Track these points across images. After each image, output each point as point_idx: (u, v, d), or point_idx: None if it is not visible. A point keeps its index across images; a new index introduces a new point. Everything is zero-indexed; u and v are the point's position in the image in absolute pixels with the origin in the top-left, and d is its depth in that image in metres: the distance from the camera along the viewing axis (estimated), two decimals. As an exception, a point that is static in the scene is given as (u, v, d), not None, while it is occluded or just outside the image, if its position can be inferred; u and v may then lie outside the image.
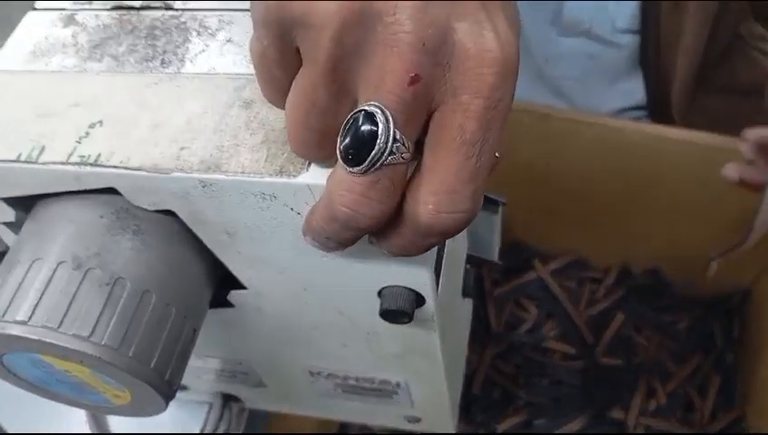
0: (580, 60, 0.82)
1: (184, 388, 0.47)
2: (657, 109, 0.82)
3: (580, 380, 0.85)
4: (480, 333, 0.88)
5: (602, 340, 0.87)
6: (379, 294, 0.30)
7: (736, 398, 0.84)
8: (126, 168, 0.26)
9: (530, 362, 0.87)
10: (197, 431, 0.50)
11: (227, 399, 0.48)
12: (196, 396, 0.49)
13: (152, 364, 0.27)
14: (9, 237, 0.33)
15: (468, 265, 0.43)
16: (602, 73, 0.83)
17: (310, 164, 0.25)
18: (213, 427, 0.49)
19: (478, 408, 0.84)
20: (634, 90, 0.84)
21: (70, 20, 0.32)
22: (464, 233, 0.41)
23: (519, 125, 0.75)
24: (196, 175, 0.25)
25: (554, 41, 0.81)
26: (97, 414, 0.49)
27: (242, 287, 0.33)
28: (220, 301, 0.34)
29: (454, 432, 0.47)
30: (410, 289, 0.29)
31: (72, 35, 0.32)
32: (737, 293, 0.88)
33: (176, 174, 0.26)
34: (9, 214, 0.31)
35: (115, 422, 0.50)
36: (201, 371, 0.44)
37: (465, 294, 0.43)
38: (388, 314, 0.30)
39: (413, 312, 0.29)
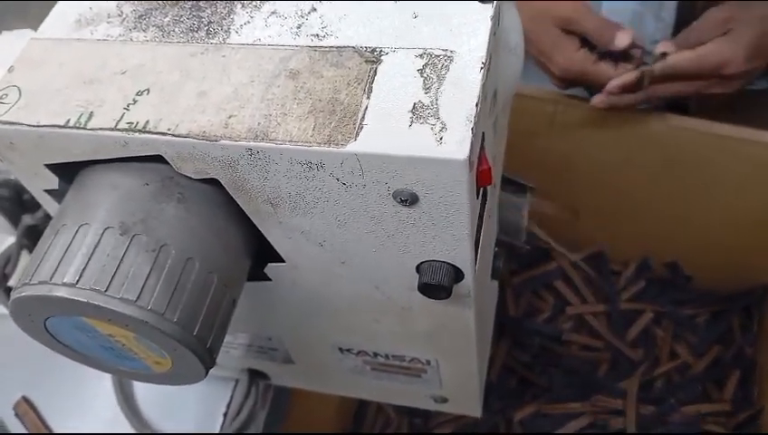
0: None
1: (212, 363, 0.48)
2: None
3: (597, 370, 0.85)
4: (498, 321, 0.88)
5: (628, 334, 0.87)
6: (418, 268, 0.30)
7: (754, 393, 0.83)
8: (174, 135, 0.26)
9: (547, 351, 0.87)
10: (224, 407, 0.50)
11: (254, 375, 0.48)
12: (224, 372, 0.49)
13: (195, 331, 0.27)
14: (51, 206, 0.33)
15: (497, 248, 0.43)
16: None
17: (358, 133, 0.25)
18: (239, 403, 0.49)
19: (496, 396, 0.84)
20: None
21: (114, -9, 0.33)
22: (495, 212, 0.41)
23: (542, 114, 0.75)
24: (243, 143, 0.26)
25: None
26: (124, 388, 0.50)
27: (279, 261, 0.33)
28: (257, 274, 0.34)
29: (479, 415, 0.47)
30: (450, 264, 0.29)
31: (117, 6, 0.32)
32: (756, 288, 0.88)
33: (224, 142, 0.26)
34: (53, 181, 0.31)
35: (140, 394, 0.50)
36: (231, 346, 0.44)
37: (493, 275, 0.43)
38: (427, 289, 0.30)
39: (452, 287, 0.30)
